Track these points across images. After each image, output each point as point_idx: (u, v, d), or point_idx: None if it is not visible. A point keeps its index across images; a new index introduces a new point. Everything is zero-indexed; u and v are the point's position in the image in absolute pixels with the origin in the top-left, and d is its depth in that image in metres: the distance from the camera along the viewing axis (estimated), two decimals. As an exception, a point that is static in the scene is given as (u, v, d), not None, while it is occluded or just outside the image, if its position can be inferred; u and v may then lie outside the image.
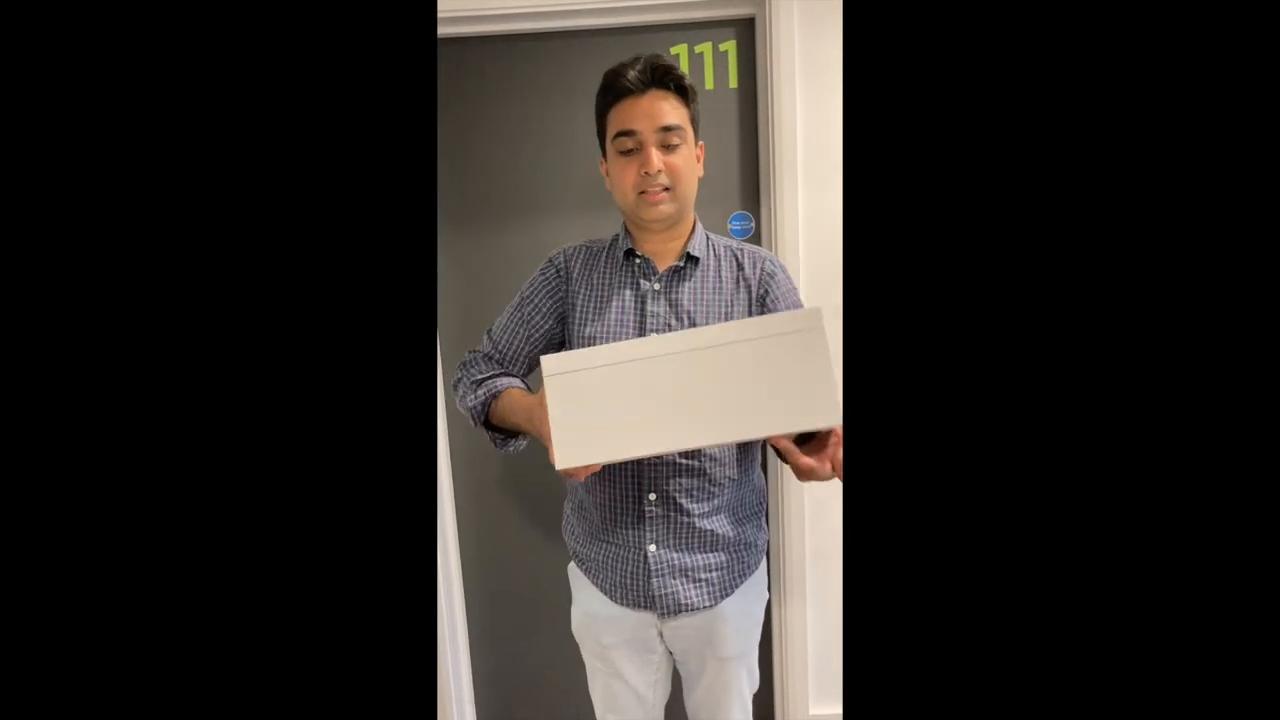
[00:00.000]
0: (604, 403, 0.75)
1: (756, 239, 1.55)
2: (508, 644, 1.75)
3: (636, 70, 0.95)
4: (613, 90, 0.97)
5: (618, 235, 1.06)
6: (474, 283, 1.61)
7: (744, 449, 1.02)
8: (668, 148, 0.96)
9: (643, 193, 0.96)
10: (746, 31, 1.52)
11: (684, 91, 0.97)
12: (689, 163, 0.98)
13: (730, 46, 1.53)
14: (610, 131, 0.98)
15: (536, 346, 1.06)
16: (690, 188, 0.99)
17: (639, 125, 0.95)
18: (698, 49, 1.53)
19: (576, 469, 0.79)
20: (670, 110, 0.95)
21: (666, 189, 0.96)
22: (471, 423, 1.05)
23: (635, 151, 0.96)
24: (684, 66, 1.53)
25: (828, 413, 0.73)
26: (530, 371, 1.08)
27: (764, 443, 1.31)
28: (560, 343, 1.06)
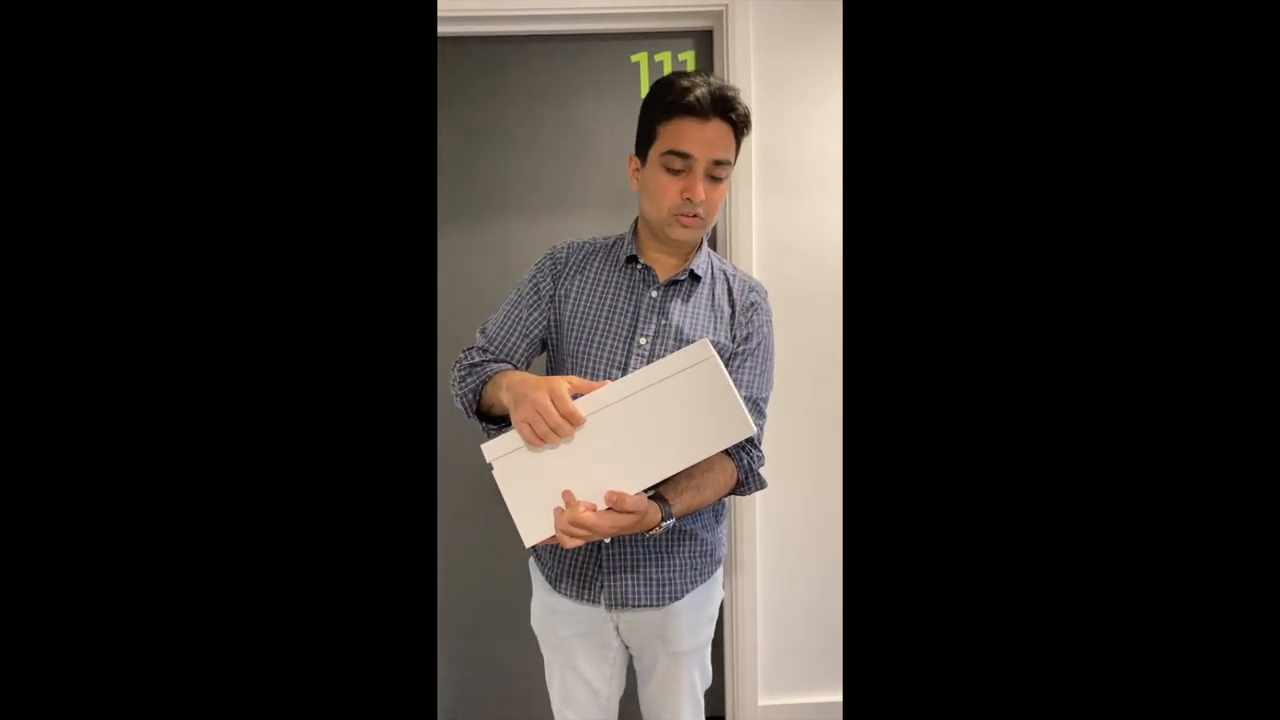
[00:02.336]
0: (551, 472, 0.82)
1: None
2: (472, 636, 1.76)
3: (703, 92, 0.92)
4: (677, 106, 0.93)
5: (623, 237, 1.06)
6: (471, 281, 1.62)
7: None
8: (713, 179, 0.95)
9: (677, 214, 0.96)
10: (705, 43, 1.56)
11: (740, 126, 0.96)
12: (724, 194, 0.99)
13: (689, 56, 1.56)
14: (661, 144, 0.95)
15: (533, 344, 1.05)
16: (717, 216, 1.01)
17: (695, 151, 0.93)
18: (657, 57, 1.56)
19: (544, 541, 0.86)
20: (728, 144, 0.95)
21: (699, 216, 0.96)
22: (465, 414, 1.04)
23: (682, 173, 0.94)
24: (643, 74, 1.56)
25: (743, 427, 0.83)
26: (527, 368, 1.07)
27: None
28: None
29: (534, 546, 1.08)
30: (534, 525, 0.84)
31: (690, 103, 0.92)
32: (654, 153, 0.96)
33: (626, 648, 1.12)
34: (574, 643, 1.08)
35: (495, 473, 0.81)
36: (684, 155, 0.93)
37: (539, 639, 1.13)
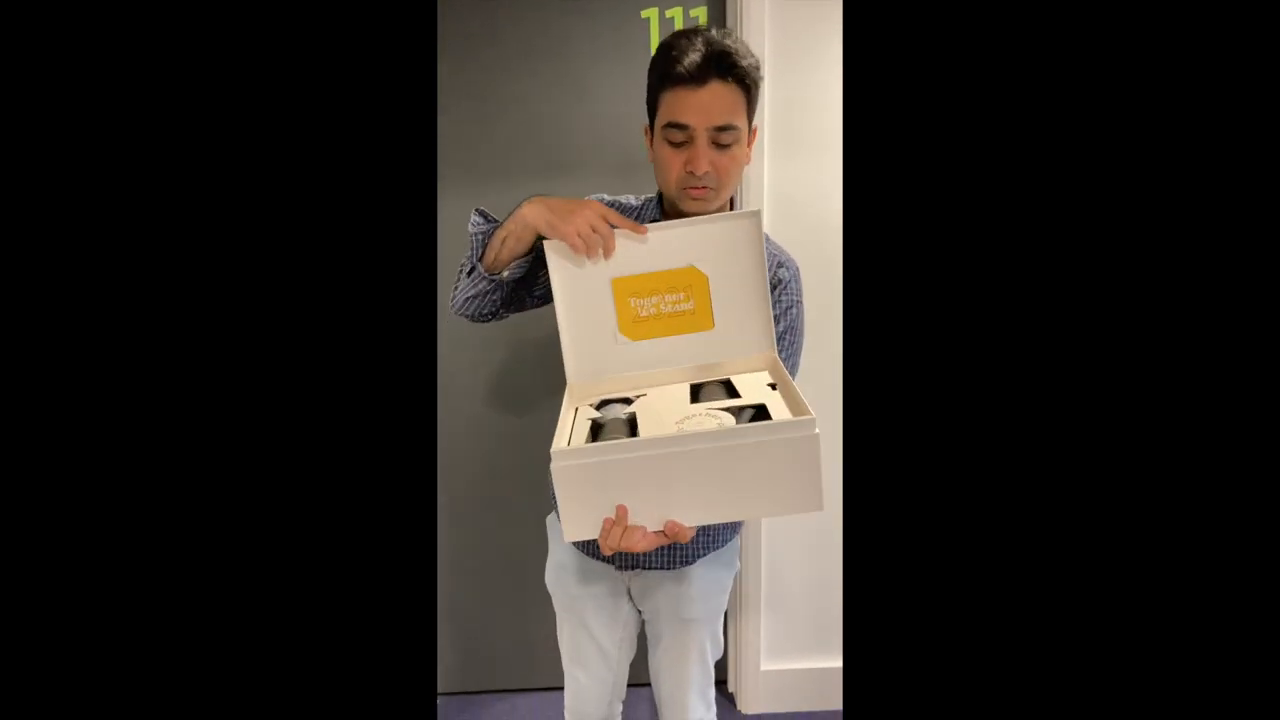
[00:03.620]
0: (607, 490, 0.79)
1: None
2: (486, 591, 1.76)
3: (696, 55, 0.85)
4: (669, 76, 0.87)
5: (649, 200, 1.03)
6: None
7: None
8: (719, 146, 0.89)
9: (684, 188, 0.91)
10: (717, -1, 1.52)
11: (746, 81, 0.87)
12: (738, 161, 0.92)
13: (701, 12, 1.52)
14: (661, 116, 0.90)
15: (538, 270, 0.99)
16: (734, 184, 0.95)
17: (691, 120, 0.87)
18: (669, 13, 1.52)
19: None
20: (728, 107, 0.87)
21: (710, 188, 0.91)
22: (465, 306, 0.98)
23: (684, 145, 0.89)
24: (653, 30, 1.52)
25: (815, 504, 0.79)
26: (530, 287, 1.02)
27: None
28: None
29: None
30: (579, 526, 0.81)
31: (679, 72, 0.85)
32: (657, 125, 0.92)
33: (639, 612, 1.12)
34: (585, 602, 1.08)
35: (554, 472, 0.78)
36: (681, 126, 0.88)
37: (552, 596, 1.13)
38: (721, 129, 0.88)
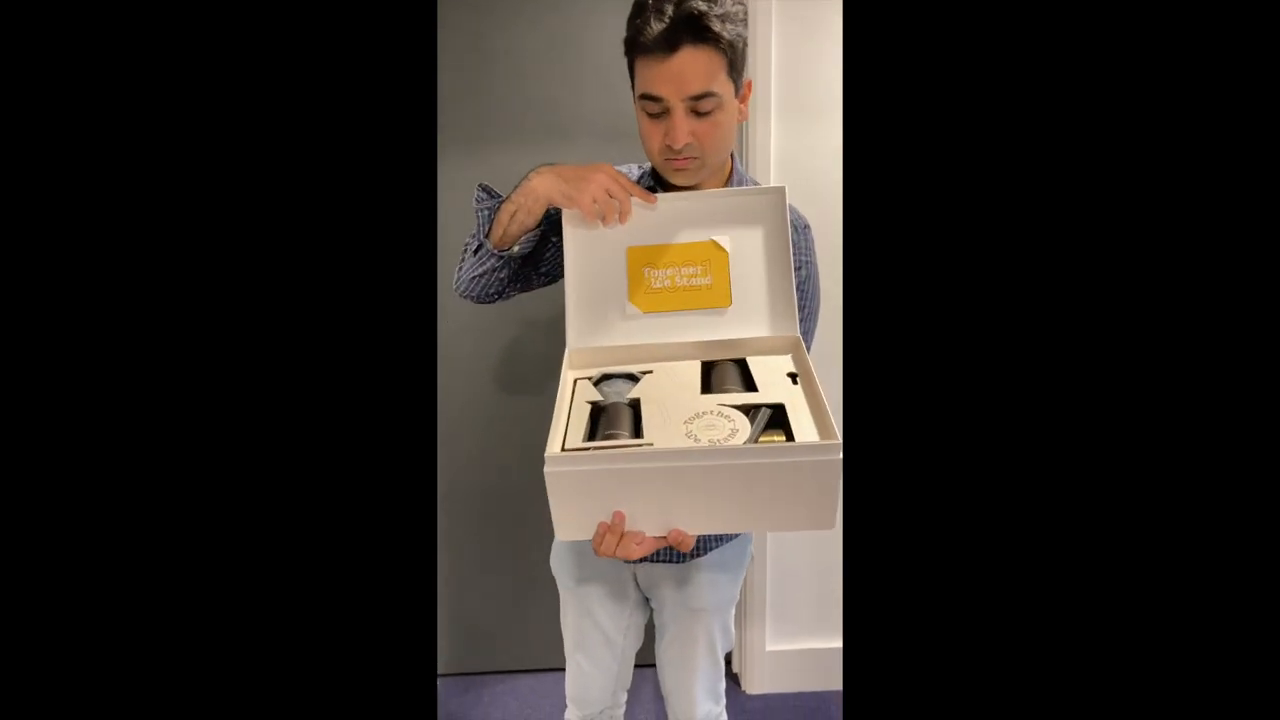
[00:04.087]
0: (605, 497, 0.73)
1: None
2: (485, 572, 1.73)
3: (663, 24, 0.77)
4: (636, 45, 0.80)
5: (645, 170, 0.97)
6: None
7: None
8: (699, 114, 0.81)
9: (667, 160, 0.85)
10: (721, -48, 1.44)
11: (722, 43, 0.78)
12: (724, 126, 0.84)
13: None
14: (636, 87, 0.83)
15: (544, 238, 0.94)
16: (724, 149, 0.87)
17: (664, 92, 0.80)
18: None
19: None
20: (703, 73, 0.79)
21: (694, 158, 0.84)
22: (471, 286, 0.93)
23: (662, 116, 0.82)
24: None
25: (829, 522, 0.74)
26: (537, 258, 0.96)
27: None
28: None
29: None
30: (572, 528, 0.76)
31: (645, 43, 0.78)
32: (635, 94, 0.85)
33: (647, 600, 1.07)
34: (590, 588, 1.03)
35: (547, 478, 0.72)
36: (655, 98, 0.81)
37: (556, 579, 1.08)
38: (699, 97, 0.80)
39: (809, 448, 0.71)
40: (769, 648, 1.70)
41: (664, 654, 1.07)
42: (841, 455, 0.69)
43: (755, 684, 1.72)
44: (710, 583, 1.01)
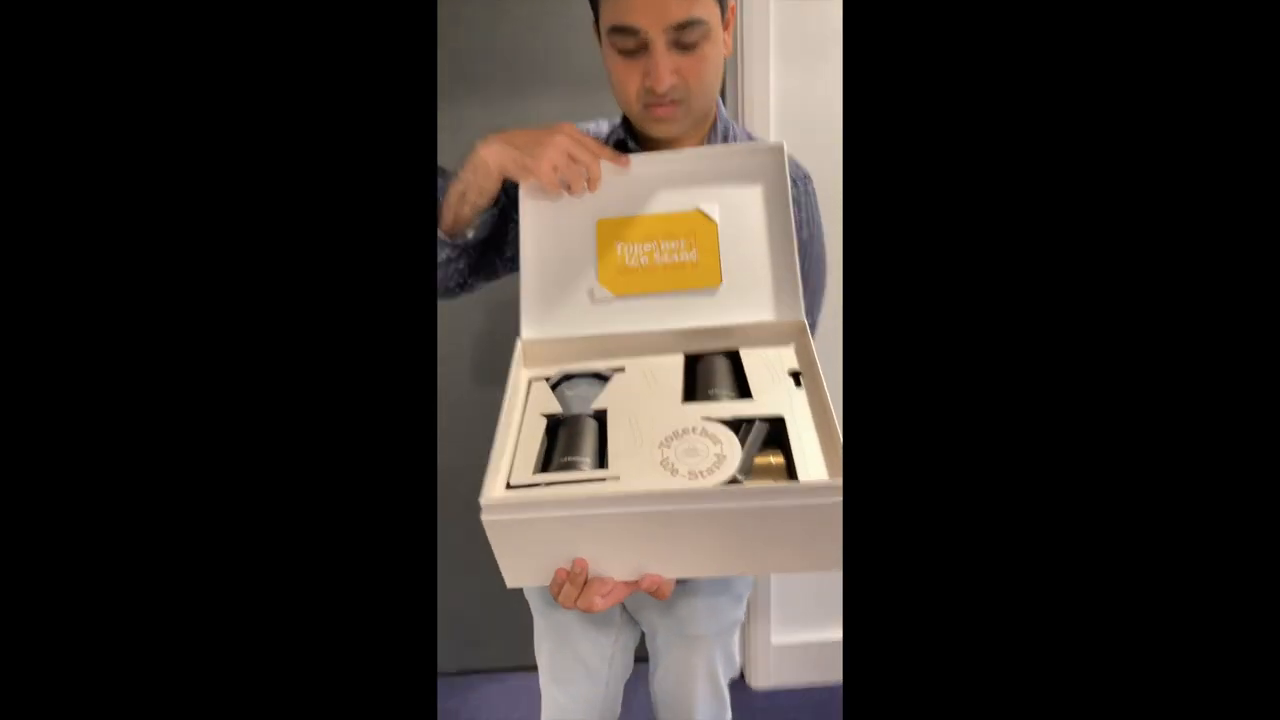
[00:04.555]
0: (561, 544, 0.60)
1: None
2: (475, 570, 1.65)
3: None
4: None
5: (615, 126, 0.82)
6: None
7: None
8: (683, 47, 0.67)
9: (647, 105, 0.71)
10: None
11: None
12: (713, 60, 0.70)
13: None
14: (604, 18, 0.69)
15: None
16: (713, 89, 0.73)
17: (642, 21, 0.66)
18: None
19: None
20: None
21: (679, 102, 0.70)
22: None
23: (638, 53, 0.68)
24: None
25: (832, 563, 0.61)
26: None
27: None
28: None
29: None
30: (521, 574, 0.63)
31: None
32: (602, 27, 0.70)
33: (635, 623, 0.93)
34: (568, 613, 0.89)
35: (486, 526, 0.58)
36: (630, 30, 0.67)
37: (529, 601, 0.95)
38: (683, 26, 0.66)
39: (807, 489, 0.58)
40: (775, 641, 1.63)
41: (658, 687, 0.94)
42: (839, 499, 0.56)
43: (762, 678, 1.65)
44: (709, 607, 0.87)
